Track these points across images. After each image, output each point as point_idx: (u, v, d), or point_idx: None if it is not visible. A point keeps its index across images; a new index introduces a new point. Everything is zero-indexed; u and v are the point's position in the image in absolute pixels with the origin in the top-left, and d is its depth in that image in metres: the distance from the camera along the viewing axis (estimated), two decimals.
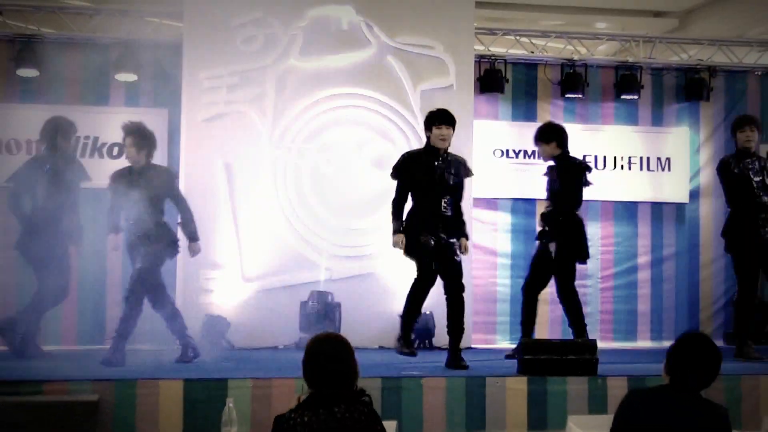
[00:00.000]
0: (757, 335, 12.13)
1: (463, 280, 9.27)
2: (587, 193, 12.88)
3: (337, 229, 11.79)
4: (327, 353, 4.77)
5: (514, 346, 10.67)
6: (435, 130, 9.29)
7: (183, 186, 10.77)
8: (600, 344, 9.15)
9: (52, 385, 7.81)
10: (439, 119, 9.31)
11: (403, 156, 9.60)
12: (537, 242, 10.28)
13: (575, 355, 8.68)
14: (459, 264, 9.31)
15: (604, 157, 13.08)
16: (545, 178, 10.34)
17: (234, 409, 5.56)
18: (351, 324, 11.14)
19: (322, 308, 11.31)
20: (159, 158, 11.56)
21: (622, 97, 13.13)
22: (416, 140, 11.99)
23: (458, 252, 9.32)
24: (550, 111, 13.05)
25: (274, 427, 4.67)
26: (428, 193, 9.27)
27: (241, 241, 11.60)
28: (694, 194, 13.25)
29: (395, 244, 9.25)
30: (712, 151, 13.34)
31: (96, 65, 11.69)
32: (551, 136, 10.13)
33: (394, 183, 9.34)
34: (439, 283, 9.34)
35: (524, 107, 13.03)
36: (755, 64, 13.61)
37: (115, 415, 7.70)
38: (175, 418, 7.80)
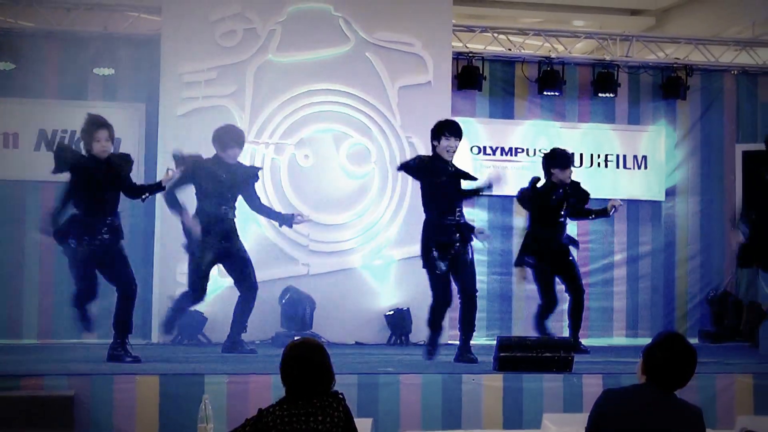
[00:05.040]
0: (731, 333, 12.23)
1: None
2: None
3: (315, 225, 11.76)
4: (303, 360, 4.83)
5: (491, 342, 10.69)
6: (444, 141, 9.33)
7: None
8: None
9: (28, 380, 7.80)
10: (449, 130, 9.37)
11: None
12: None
13: (551, 352, 8.72)
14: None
15: (581, 154, 13.12)
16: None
17: (210, 405, 5.56)
18: (328, 320, 11.17)
19: (298, 304, 11.31)
20: (135, 153, 11.58)
21: (599, 95, 13.15)
22: (393, 137, 12.02)
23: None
24: (527, 108, 13.09)
25: (256, 418, 4.77)
26: None
27: None
28: (670, 192, 13.30)
29: None
30: (688, 149, 13.42)
31: (74, 59, 11.64)
32: None
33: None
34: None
35: (502, 104, 13.06)
36: (731, 63, 13.68)
37: (91, 410, 7.70)
38: (151, 414, 7.80)
